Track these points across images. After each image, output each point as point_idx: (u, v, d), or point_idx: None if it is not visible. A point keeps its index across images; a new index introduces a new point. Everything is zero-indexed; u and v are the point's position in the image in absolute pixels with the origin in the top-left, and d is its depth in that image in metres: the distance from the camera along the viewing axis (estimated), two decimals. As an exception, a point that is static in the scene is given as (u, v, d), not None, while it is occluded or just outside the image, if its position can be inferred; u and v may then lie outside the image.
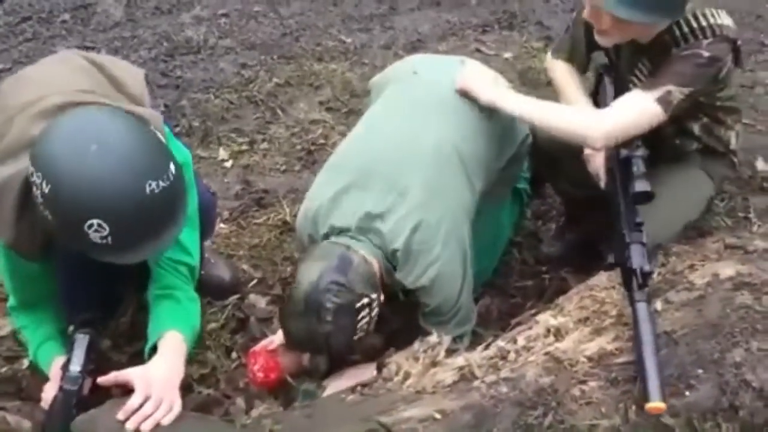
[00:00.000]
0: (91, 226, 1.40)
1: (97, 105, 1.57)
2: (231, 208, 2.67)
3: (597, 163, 1.96)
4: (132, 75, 1.78)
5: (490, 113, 1.96)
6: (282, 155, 2.93)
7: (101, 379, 1.59)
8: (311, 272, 1.68)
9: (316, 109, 3.19)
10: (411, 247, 1.75)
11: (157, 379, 1.56)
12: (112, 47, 3.54)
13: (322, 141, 2.99)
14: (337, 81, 3.35)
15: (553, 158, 2.13)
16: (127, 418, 1.47)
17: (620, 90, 1.95)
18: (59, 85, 1.65)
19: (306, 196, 1.95)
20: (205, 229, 2.03)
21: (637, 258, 1.66)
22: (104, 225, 1.41)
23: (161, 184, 1.44)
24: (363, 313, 1.68)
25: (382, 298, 1.76)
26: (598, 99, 2.07)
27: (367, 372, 1.90)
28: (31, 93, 1.64)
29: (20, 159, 1.50)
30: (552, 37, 3.66)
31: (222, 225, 2.58)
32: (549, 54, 2.20)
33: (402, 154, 1.83)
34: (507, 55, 3.54)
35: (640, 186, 1.75)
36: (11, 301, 1.82)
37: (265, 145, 2.98)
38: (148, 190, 1.42)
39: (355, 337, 1.70)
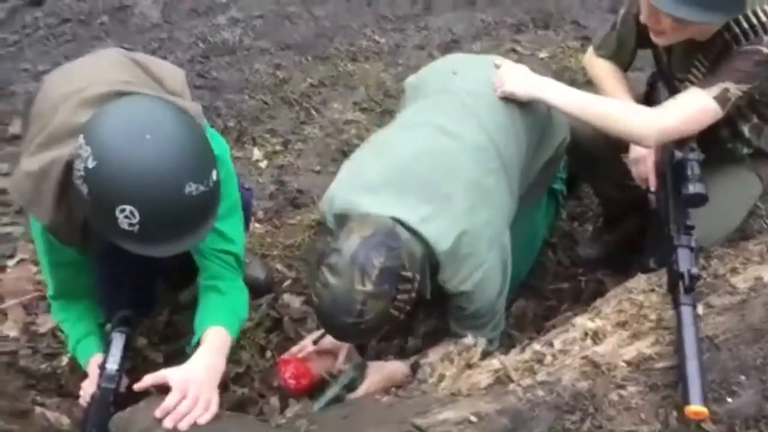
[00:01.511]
0: (123, 210, 1.42)
1: (157, 97, 1.60)
2: (265, 208, 2.68)
3: (645, 165, 1.92)
4: (171, 73, 1.80)
5: (530, 116, 1.92)
6: (316, 155, 2.93)
7: (137, 386, 1.59)
8: (362, 229, 1.60)
9: (350, 110, 3.19)
10: (458, 251, 1.69)
11: (195, 378, 1.56)
12: (149, 49, 3.58)
13: (356, 141, 2.98)
14: (371, 81, 3.35)
15: (593, 158, 2.10)
16: (164, 417, 1.48)
17: (670, 89, 1.91)
18: (101, 77, 1.68)
19: (347, 166, 1.88)
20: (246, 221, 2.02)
21: (684, 261, 1.63)
22: (135, 213, 1.42)
23: (200, 188, 1.46)
24: (405, 286, 1.60)
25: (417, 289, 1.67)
26: (649, 101, 2.02)
27: (392, 366, 1.90)
28: (74, 84, 1.67)
29: (63, 145, 1.53)
30: (588, 36, 3.61)
31: (256, 225, 2.59)
32: (590, 51, 2.15)
33: (443, 158, 1.77)
34: (543, 54, 3.50)
35: (696, 188, 1.72)
36: (50, 290, 1.84)
37: (299, 145, 2.99)
38: (186, 190, 1.44)
39: (391, 310, 1.60)
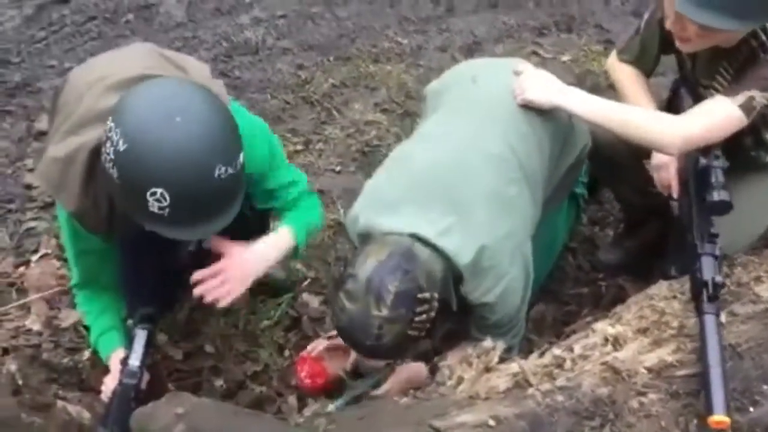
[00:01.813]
0: (153, 194, 1.42)
1: (184, 79, 1.61)
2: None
3: (668, 172, 1.91)
4: (196, 65, 1.82)
5: (552, 122, 1.90)
6: (337, 156, 2.94)
7: (195, 276, 1.73)
8: (379, 253, 1.59)
9: (372, 111, 3.19)
10: (479, 264, 1.68)
11: (238, 263, 1.74)
12: (173, 47, 3.60)
13: (376, 142, 2.99)
14: (393, 82, 3.35)
15: (614, 164, 2.09)
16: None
17: (694, 96, 1.89)
18: (124, 64, 1.70)
19: (369, 184, 1.87)
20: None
21: (708, 270, 1.61)
22: (166, 196, 1.43)
23: (229, 170, 1.47)
24: (422, 308, 1.59)
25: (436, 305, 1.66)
26: (672, 107, 2.00)
27: (414, 369, 1.90)
28: (98, 72, 1.69)
29: (89, 130, 1.55)
30: (612, 40, 3.59)
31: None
32: (613, 55, 2.13)
33: (464, 169, 1.75)
34: (565, 58, 3.48)
35: (720, 196, 1.70)
36: (74, 278, 1.86)
37: (320, 145, 3.00)
38: (216, 173, 1.45)
39: (409, 332, 1.60)
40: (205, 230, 1.54)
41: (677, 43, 1.80)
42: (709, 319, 1.53)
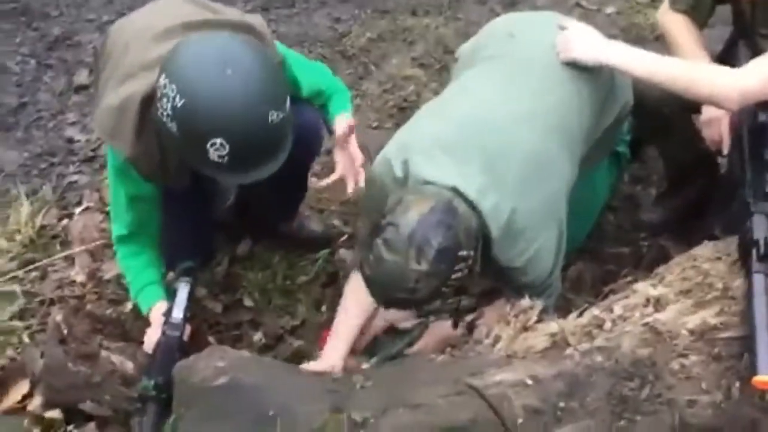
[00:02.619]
0: (213, 144, 1.51)
1: (227, 33, 1.66)
2: (322, 162, 2.67)
3: (720, 127, 1.84)
4: (233, 11, 1.86)
5: (592, 79, 1.84)
6: (374, 111, 2.92)
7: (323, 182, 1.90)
8: (421, 205, 1.54)
9: (409, 65, 3.14)
10: (510, 228, 1.65)
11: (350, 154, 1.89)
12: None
13: (414, 98, 2.95)
14: (431, 36, 3.29)
15: (662, 118, 2.02)
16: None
17: (754, 49, 1.81)
18: (167, 16, 1.74)
19: (402, 129, 1.86)
20: (315, 147, 2.09)
21: (760, 228, 1.56)
22: (225, 145, 1.51)
23: (280, 114, 1.56)
24: (460, 266, 1.56)
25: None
26: (727, 60, 1.91)
27: (449, 327, 1.90)
28: (141, 24, 1.76)
29: (138, 80, 1.61)
30: (659, -10, 3.46)
31: (313, 179, 2.60)
32: (665, 5, 2.05)
33: (500, 126, 1.71)
34: (609, 10, 3.37)
35: None
36: (117, 229, 1.89)
37: (357, 101, 2.97)
38: (270, 119, 1.53)
39: (444, 289, 1.57)
40: (261, 173, 1.62)
41: None
42: (758, 279, 1.49)
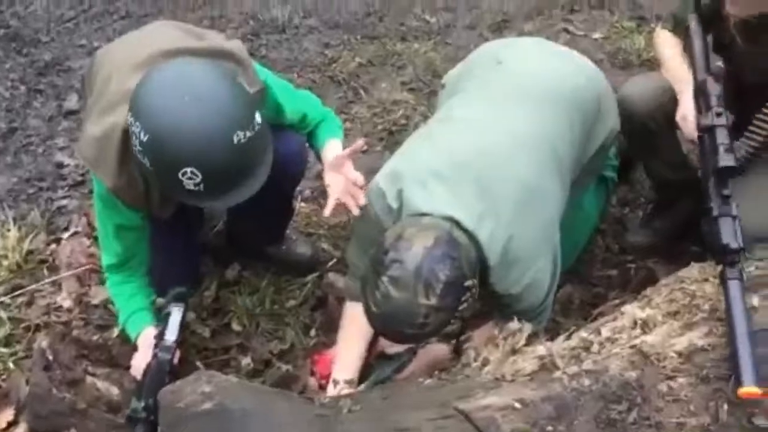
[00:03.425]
0: (185, 174, 1.50)
1: (188, 57, 1.65)
2: (312, 187, 2.69)
3: (690, 125, 1.85)
4: (216, 36, 1.88)
5: (581, 105, 1.86)
6: (363, 136, 2.91)
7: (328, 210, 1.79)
8: (423, 239, 1.53)
9: (398, 90, 3.16)
10: (507, 256, 1.65)
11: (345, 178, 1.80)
12: (200, 26, 3.57)
13: (403, 122, 2.97)
14: (420, 61, 3.31)
15: (650, 133, 2.04)
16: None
17: (738, 87, 1.81)
18: (149, 43, 1.74)
19: (394, 157, 1.85)
20: (297, 173, 2.08)
21: (726, 232, 1.57)
22: (197, 173, 1.50)
23: (247, 134, 1.52)
24: (466, 296, 1.56)
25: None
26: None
27: (438, 349, 1.89)
28: (125, 52, 1.76)
29: (120, 110, 1.61)
30: (644, 16, 3.51)
31: (302, 204, 2.61)
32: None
33: (494, 153, 1.71)
34: (596, 35, 3.41)
35: (724, 161, 1.64)
36: (106, 259, 1.89)
37: (346, 125, 2.98)
38: (236, 140, 1.51)
39: (452, 321, 1.57)
40: (244, 192, 1.61)
41: (728, 5, 1.72)
42: (733, 285, 1.50)
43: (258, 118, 1.56)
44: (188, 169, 1.50)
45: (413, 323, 1.52)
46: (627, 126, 2.09)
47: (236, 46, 1.79)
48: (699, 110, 1.77)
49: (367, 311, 1.59)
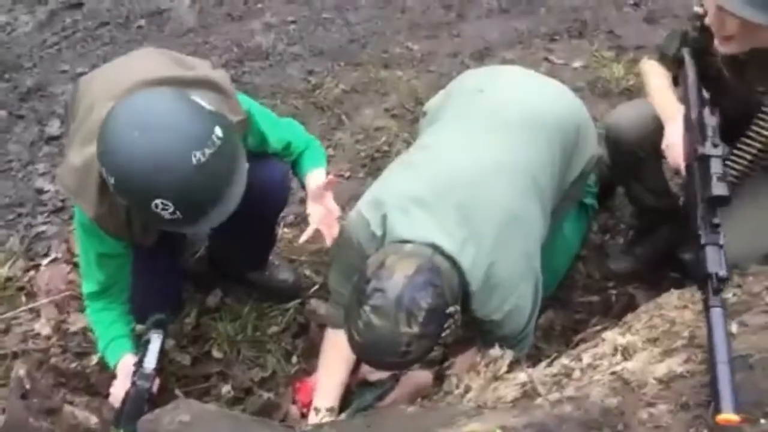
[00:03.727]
0: (157, 206, 1.50)
1: (140, 89, 1.64)
2: (295, 213, 2.69)
3: (679, 151, 1.88)
4: (202, 63, 1.88)
5: (561, 133, 1.88)
6: (347, 162, 2.94)
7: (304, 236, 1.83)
8: (405, 267, 1.54)
9: (382, 116, 3.18)
10: (489, 282, 1.66)
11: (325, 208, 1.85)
12: (185, 53, 3.57)
13: (386, 148, 2.99)
14: (403, 88, 3.34)
15: (636, 158, 2.06)
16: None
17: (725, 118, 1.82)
18: (130, 72, 1.74)
19: (375, 184, 1.86)
20: (280, 201, 2.08)
21: (712, 261, 1.59)
22: (168, 203, 1.50)
23: (206, 151, 1.50)
24: (449, 323, 1.56)
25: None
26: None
27: (421, 376, 1.89)
28: (109, 80, 1.76)
29: None
30: (623, 45, 3.57)
31: (285, 229, 2.61)
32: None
33: (476, 180, 1.73)
34: (576, 64, 3.46)
35: (718, 190, 1.66)
36: (88, 287, 1.87)
37: (330, 151, 2.99)
38: (194, 161, 1.49)
39: (435, 348, 1.58)
40: (225, 207, 1.59)
41: (717, 44, 1.73)
42: (716, 313, 1.51)
43: (218, 132, 1.53)
44: (158, 201, 1.49)
45: (396, 351, 1.53)
46: (614, 153, 2.12)
47: (220, 75, 1.79)
48: (691, 140, 1.79)
49: (350, 340, 1.59)
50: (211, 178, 1.53)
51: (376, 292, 1.52)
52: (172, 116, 1.52)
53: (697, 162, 1.75)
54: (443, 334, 1.57)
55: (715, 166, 1.70)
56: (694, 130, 1.79)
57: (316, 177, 1.94)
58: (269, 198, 1.95)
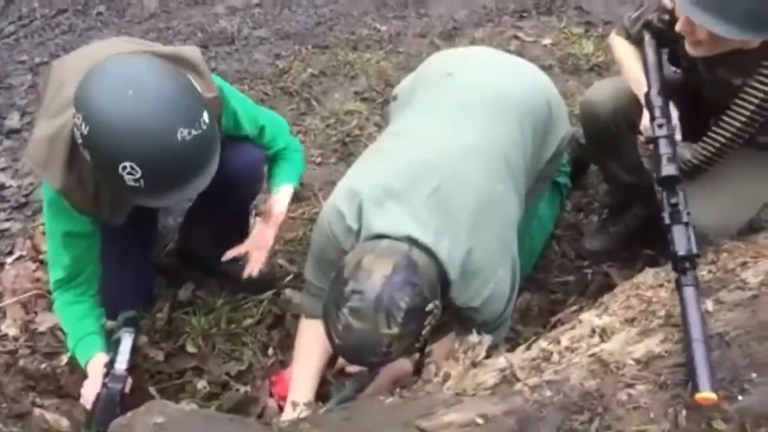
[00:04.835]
0: (124, 168, 1.47)
1: (136, 52, 1.64)
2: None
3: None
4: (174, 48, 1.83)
5: (533, 114, 1.86)
6: (317, 147, 2.89)
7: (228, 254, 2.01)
8: (382, 266, 1.52)
9: (351, 100, 3.14)
10: (466, 269, 1.65)
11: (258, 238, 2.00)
12: (147, 38, 3.53)
13: (357, 132, 2.95)
14: (372, 70, 3.30)
15: (610, 134, 2.06)
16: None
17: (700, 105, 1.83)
18: (103, 54, 1.68)
19: (348, 175, 1.82)
20: (252, 187, 2.06)
21: (679, 240, 1.59)
22: (136, 168, 1.47)
23: (193, 132, 1.49)
24: (428, 320, 1.55)
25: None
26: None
27: (400, 366, 1.87)
28: (82, 59, 1.72)
29: (70, 111, 1.57)
30: (592, 21, 3.56)
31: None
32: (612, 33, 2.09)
33: (449, 166, 1.70)
34: (546, 41, 3.44)
35: (666, 170, 1.68)
36: (54, 274, 1.82)
37: (300, 137, 2.95)
38: (179, 137, 1.47)
39: (416, 345, 1.57)
40: (186, 192, 1.57)
41: (687, 47, 1.72)
42: (689, 291, 1.52)
43: (206, 117, 1.52)
44: (127, 164, 1.46)
45: (376, 352, 1.52)
46: (589, 129, 2.11)
47: (192, 51, 1.76)
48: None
49: (331, 342, 1.58)
50: (186, 160, 1.51)
51: (354, 294, 1.51)
52: (170, 88, 1.50)
53: (650, 143, 1.77)
54: (423, 332, 1.56)
55: (663, 147, 1.71)
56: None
57: (282, 195, 2.01)
58: (241, 183, 1.92)
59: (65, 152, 1.59)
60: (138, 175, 1.47)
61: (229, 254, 1.92)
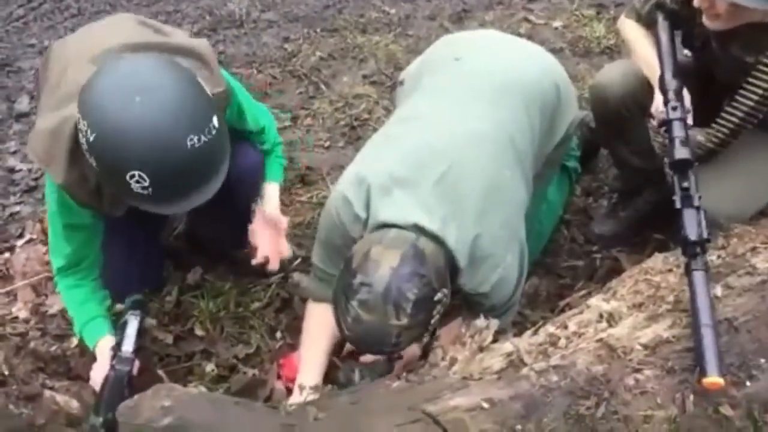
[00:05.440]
0: (132, 176, 1.43)
1: (145, 53, 1.59)
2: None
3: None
4: (178, 32, 1.82)
5: (541, 98, 1.85)
6: (325, 131, 2.88)
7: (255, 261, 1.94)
8: (389, 257, 1.51)
9: (360, 83, 3.12)
10: (475, 255, 1.64)
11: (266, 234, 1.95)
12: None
13: (365, 116, 2.93)
14: (381, 54, 3.28)
15: (621, 118, 2.04)
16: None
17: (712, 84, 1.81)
18: (106, 36, 1.68)
19: (357, 161, 1.81)
20: (255, 188, 2.03)
21: (690, 224, 1.58)
22: (145, 177, 1.43)
23: (203, 138, 1.45)
24: (437, 309, 1.55)
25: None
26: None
27: (408, 350, 1.86)
28: (81, 45, 1.69)
29: (74, 104, 1.53)
30: (604, 3, 3.52)
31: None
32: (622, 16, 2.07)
33: (456, 152, 1.69)
34: (556, 24, 3.41)
35: (679, 154, 1.67)
36: (59, 261, 1.82)
37: (308, 120, 2.94)
38: (189, 144, 1.43)
39: (425, 336, 1.58)
40: (194, 200, 1.54)
41: (705, 21, 1.70)
42: (698, 276, 1.51)
43: (215, 122, 1.48)
44: (135, 173, 1.42)
45: (386, 342, 1.53)
46: (600, 113, 2.09)
47: (203, 45, 1.72)
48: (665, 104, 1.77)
49: (341, 331, 1.59)
50: (196, 167, 1.48)
51: (362, 287, 1.51)
52: (178, 93, 1.45)
53: (663, 127, 1.75)
54: (432, 321, 1.56)
55: (677, 130, 1.70)
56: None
57: (270, 195, 2.00)
58: (246, 184, 1.92)
59: (68, 147, 1.55)
60: (146, 184, 1.44)
61: (254, 262, 1.94)
